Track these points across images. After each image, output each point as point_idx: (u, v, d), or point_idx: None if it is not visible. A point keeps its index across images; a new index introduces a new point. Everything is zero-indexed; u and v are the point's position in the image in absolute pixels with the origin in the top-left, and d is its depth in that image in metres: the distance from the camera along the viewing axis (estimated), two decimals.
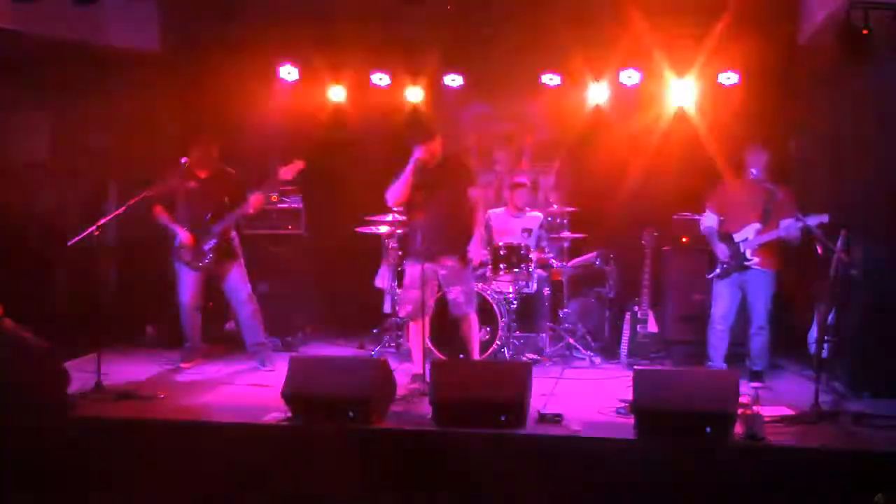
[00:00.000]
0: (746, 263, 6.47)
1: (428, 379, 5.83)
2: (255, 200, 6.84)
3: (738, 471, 4.98)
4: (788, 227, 6.34)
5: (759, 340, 6.55)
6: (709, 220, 6.73)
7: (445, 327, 6.85)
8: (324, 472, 5.13)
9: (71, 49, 7.93)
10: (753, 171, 6.36)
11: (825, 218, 6.11)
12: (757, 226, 6.47)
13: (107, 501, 5.20)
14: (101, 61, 8.33)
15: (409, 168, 6.28)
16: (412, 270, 6.41)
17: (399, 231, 7.59)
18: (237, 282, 7.03)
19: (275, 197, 7.98)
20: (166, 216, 7.02)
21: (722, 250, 6.53)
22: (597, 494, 5.01)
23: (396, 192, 6.38)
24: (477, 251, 6.48)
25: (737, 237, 6.52)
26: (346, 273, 8.71)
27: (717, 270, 6.60)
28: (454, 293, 6.41)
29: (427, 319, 6.46)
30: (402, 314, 6.54)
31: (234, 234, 7.12)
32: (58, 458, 5.28)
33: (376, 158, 8.85)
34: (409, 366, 6.63)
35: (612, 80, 8.41)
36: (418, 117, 6.45)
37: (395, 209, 7.57)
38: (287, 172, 6.84)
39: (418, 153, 6.25)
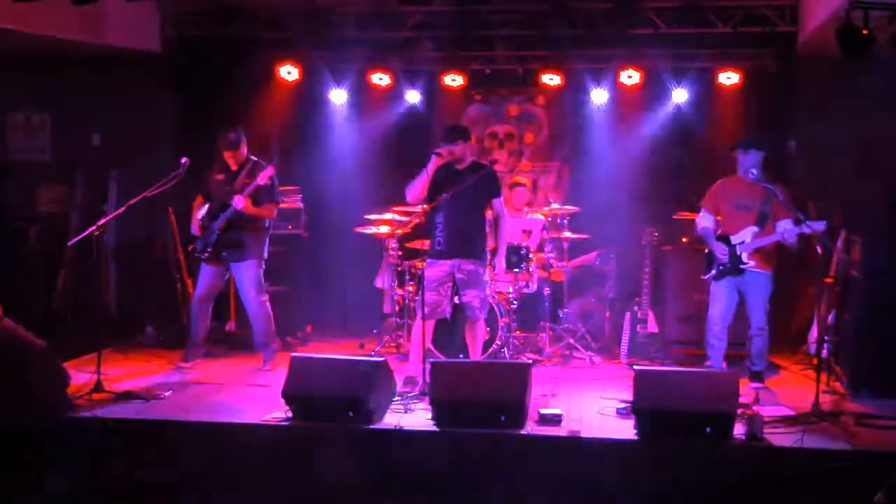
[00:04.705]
0: (742, 266, 6.44)
1: (428, 379, 5.83)
2: (237, 203, 6.80)
3: (738, 471, 4.98)
4: (785, 230, 6.31)
5: (758, 342, 6.54)
6: (705, 221, 6.70)
7: (446, 328, 6.85)
8: (324, 472, 5.13)
9: (71, 49, 7.93)
10: (753, 171, 6.34)
11: (822, 225, 6.10)
12: (754, 229, 6.43)
13: (106, 501, 5.20)
14: (101, 61, 8.34)
15: (430, 167, 6.27)
16: (430, 272, 6.43)
17: (400, 231, 7.59)
18: (243, 281, 6.98)
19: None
20: (196, 207, 7.02)
21: (720, 249, 6.51)
22: (597, 494, 5.01)
23: (416, 189, 6.34)
24: (502, 264, 6.57)
25: (734, 240, 6.49)
26: (346, 273, 8.71)
27: (713, 272, 6.58)
28: (470, 297, 6.40)
29: (432, 323, 6.47)
30: (419, 315, 6.50)
31: (255, 233, 6.97)
32: (57, 458, 5.29)
33: (376, 158, 8.88)
34: (408, 366, 6.62)
35: (612, 80, 8.40)
36: (454, 124, 6.51)
37: (397, 210, 7.60)
38: (260, 178, 6.81)
39: (438, 151, 6.24)
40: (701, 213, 6.75)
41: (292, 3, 8.29)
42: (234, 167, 6.98)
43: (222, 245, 6.90)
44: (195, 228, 6.99)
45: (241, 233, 6.92)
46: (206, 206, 7.02)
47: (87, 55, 8.18)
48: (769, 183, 6.32)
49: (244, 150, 6.98)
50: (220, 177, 6.99)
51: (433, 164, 6.26)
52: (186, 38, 8.66)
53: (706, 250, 6.68)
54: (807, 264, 7.11)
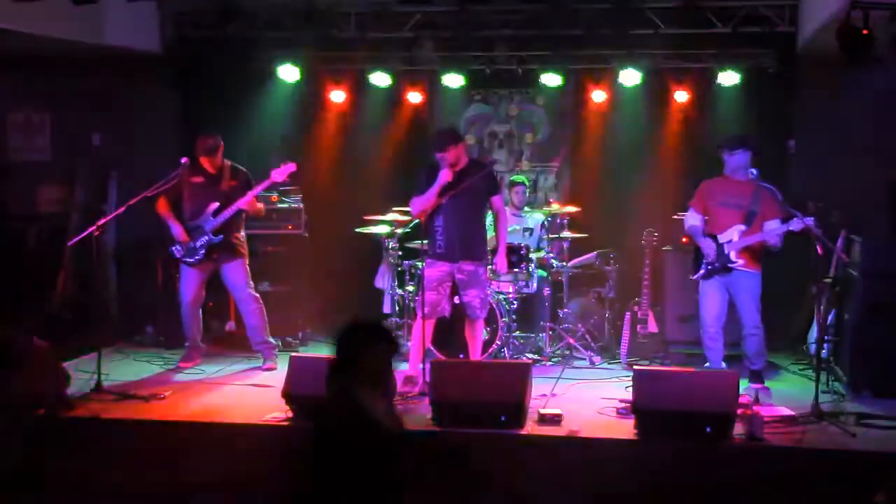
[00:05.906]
0: (730, 265, 6.43)
1: (428, 379, 5.83)
2: (244, 202, 6.82)
3: (738, 471, 4.98)
4: (770, 230, 6.31)
5: (754, 341, 6.52)
6: (692, 220, 6.69)
7: (446, 328, 6.85)
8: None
9: (71, 49, 7.93)
10: (753, 171, 6.33)
11: (811, 220, 6.10)
12: (741, 227, 6.42)
13: (107, 502, 5.20)
14: (101, 61, 8.34)
15: (436, 187, 6.24)
16: (430, 272, 6.42)
17: (400, 231, 7.59)
18: (237, 281, 7.01)
19: (274, 197, 7.99)
20: (166, 210, 6.94)
21: (708, 245, 6.49)
22: (597, 494, 5.01)
23: (421, 205, 6.36)
24: (503, 263, 6.59)
25: (721, 238, 6.48)
26: (346, 273, 8.70)
27: (702, 271, 6.56)
28: (470, 296, 6.41)
29: (433, 323, 6.47)
30: (419, 315, 6.50)
31: (240, 232, 7.06)
32: (58, 458, 5.28)
33: (376, 158, 8.88)
34: (408, 365, 6.62)
35: (612, 80, 8.40)
36: (445, 126, 6.52)
37: (397, 210, 7.60)
38: (278, 175, 6.85)
39: (444, 176, 6.22)
40: (689, 213, 6.74)
41: (292, 3, 8.29)
42: (211, 171, 6.97)
43: (213, 247, 6.90)
44: (179, 233, 6.89)
45: (230, 234, 6.94)
46: (172, 210, 6.96)
47: (87, 55, 8.18)
48: (764, 183, 6.31)
49: (221, 153, 6.98)
50: (198, 180, 6.94)
51: (443, 177, 6.23)
52: (186, 38, 8.66)
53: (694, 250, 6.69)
54: (807, 264, 7.11)
